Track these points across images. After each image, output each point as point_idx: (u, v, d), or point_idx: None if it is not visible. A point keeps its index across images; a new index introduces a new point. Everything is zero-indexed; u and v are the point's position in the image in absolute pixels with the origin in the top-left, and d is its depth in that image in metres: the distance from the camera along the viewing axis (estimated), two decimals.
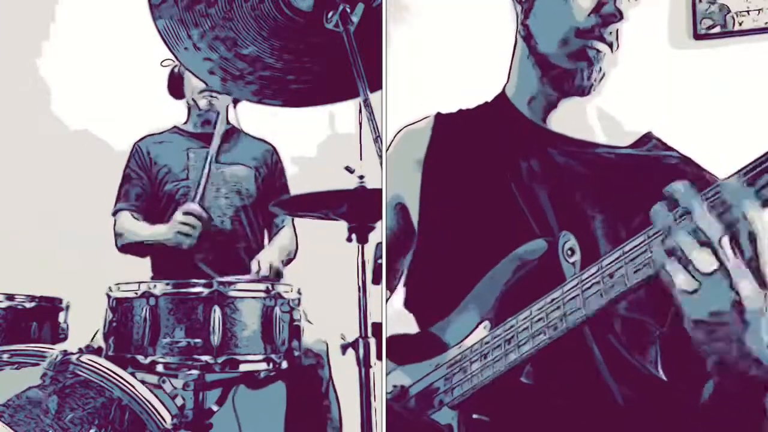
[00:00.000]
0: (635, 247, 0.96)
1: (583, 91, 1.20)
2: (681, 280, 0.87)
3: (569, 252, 1.10)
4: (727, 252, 0.84)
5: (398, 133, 1.31)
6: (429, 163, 1.29)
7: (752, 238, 0.84)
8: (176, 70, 2.35)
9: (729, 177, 0.87)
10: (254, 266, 2.08)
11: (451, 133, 1.29)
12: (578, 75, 1.19)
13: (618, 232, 1.13)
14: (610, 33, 1.18)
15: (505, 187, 1.21)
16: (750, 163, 0.86)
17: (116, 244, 2.23)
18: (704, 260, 0.85)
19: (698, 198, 0.86)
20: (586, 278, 1.02)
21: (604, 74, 1.19)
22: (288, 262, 2.26)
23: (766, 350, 0.85)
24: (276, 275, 2.09)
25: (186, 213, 2.08)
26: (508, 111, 1.26)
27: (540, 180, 1.20)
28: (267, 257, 2.13)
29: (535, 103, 1.25)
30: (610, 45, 1.18)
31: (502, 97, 1.28)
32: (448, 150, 1.28)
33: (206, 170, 2.15)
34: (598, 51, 1.18)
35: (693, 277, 0.86)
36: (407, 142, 1.30)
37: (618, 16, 1.16)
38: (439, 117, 1.29)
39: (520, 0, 1.25)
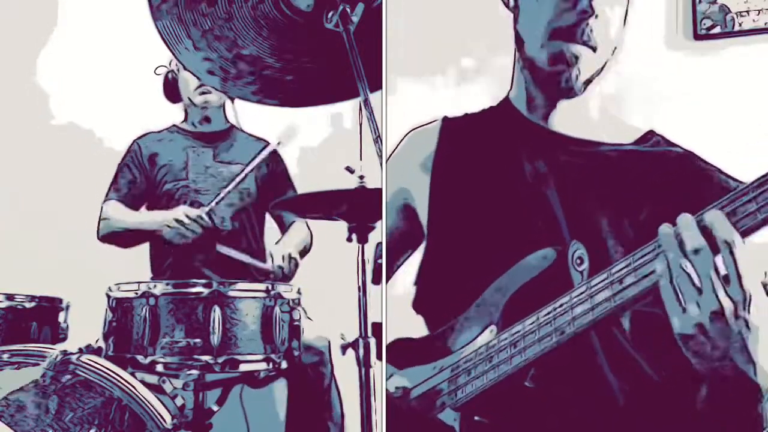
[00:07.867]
0: (644, 255, 0.99)
1: (569, 94, 1.20)
2: (668, 297, 0.94)
3: (578, 261, 1.11)
4: (710, 270, 0.91)
5: (407, 135, 1.31)
6: (437, 165, 1.30)
7: (733, 257, 0.90)
8: (170, 75, 2.36)
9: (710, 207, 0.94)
10: (268, 261, 2.08)
11: (459, 137, 1.29)
12: (560, 78, 1.19)
13: (626, 230, 1.13)
14: (585, 32, 1.17)
15: (513, 189, 1.21)
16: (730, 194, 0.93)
17: (98, 233, 2.22)
18: (692, 278, 0.92)
19: (692, 224, 0.93)
20: (595, 284, 1.03)
21: (588, 77, 1.19)
22: (304, 253, 2.26)
23: (749, 365, 0.91)
24: (293, 266, 2.09)
25: (191, 217, 2.08)
26: (512, 115, 1.26)
27: (546, 181, 1.20)
28: (283, 249, 2.12)
29: (534, 106, 1.25)
30: (588, 45, 1.17)
31: (506, 101, 1.28)
32: (457, 153, 1.29)
33: (229, 187, 2.15)
34: (575, 53, 1.17)
35: (681, 293, 0.92)
36: (415, 144, 1.31)
37: (589, 12, 1.16)
38: (446, 120, 1.30)
39: (509, 5, 1.25)
